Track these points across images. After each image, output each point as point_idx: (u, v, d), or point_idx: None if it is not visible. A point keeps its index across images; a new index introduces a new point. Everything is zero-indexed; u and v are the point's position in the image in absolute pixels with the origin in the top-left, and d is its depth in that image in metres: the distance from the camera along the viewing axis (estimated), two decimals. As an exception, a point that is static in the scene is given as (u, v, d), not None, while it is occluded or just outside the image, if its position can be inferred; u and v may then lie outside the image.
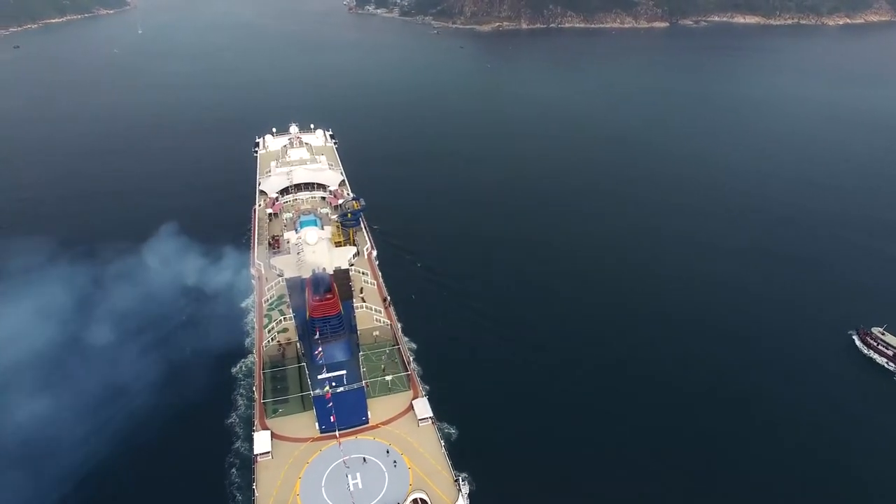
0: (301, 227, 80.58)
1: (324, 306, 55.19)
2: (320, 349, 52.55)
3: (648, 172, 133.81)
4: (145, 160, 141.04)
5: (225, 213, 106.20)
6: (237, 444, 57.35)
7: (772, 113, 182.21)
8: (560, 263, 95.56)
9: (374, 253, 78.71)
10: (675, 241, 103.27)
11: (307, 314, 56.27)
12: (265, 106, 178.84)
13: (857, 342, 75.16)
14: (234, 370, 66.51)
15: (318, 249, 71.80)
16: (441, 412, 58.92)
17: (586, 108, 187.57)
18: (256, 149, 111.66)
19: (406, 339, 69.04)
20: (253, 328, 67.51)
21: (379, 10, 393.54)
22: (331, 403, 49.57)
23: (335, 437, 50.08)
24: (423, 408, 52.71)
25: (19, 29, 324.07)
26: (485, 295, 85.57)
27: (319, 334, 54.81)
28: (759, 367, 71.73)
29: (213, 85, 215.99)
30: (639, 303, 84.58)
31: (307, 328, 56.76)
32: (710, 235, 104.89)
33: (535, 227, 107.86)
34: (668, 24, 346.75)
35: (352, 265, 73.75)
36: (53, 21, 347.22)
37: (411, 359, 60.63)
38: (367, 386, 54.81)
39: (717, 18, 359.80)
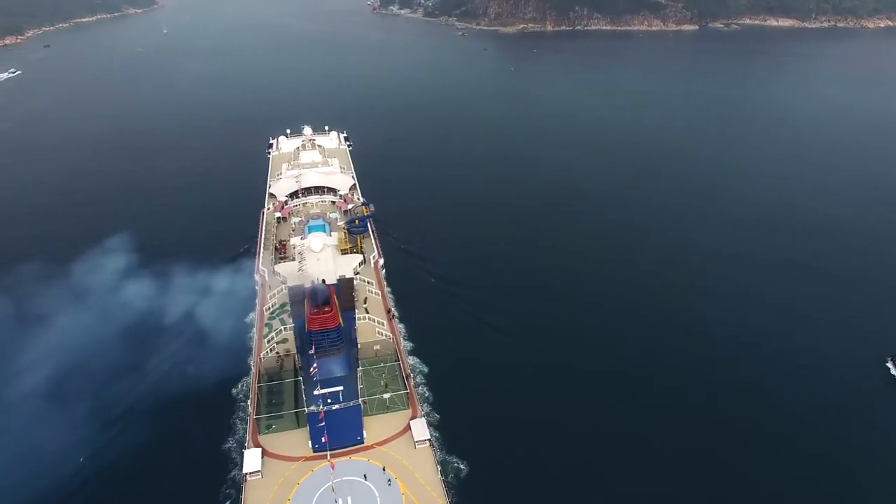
0: (309, 232, 78.85)
1: (321, 319, 53.18)
2: (315, 365, 50.45)
3: (677, 182, 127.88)
4: (161, 159, 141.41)
5: (237, 216, 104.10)
6: (233, 473, 53.54)
7: (808, 121, 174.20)
8: (588, 278, 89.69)
9: (382, 261, 76.66)
10: (703, 251, 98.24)
11: (305, 326, 54.42)
12: (283, 106, 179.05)
13: (893, 370, 70.31)
14: (234, 391, 62.18)
15: (322, 257, 69.82)
16: (443, 437, 56.71)
17: (612, 113, 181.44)
18: (270, 150, 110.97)
19: (414, 358, 66.86)
20: (253, 338, 65.43)
21: (402, 11, 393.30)
22: (322, 423, 47.49)
23: (328, 457, 48.06)
24: (420, 429, 50.26)
25: (52, 28, 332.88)
26: (501, 311, 79.86)
27: (316, 348, 52.78)
28: (786, 389, 67.37)
29: (233, 85, 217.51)
30: (667, 318, 79.49)
31: (305, 340, 54.86)
32: (740, 246, 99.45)
33: (561, 238, 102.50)
34: (697, 27, 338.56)
35: (357, 274, 71.64)
36: (84, 20, 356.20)
37: (412, 375, 58.01)
38: (365, 403, 52.80)
39: (748, 21, 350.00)
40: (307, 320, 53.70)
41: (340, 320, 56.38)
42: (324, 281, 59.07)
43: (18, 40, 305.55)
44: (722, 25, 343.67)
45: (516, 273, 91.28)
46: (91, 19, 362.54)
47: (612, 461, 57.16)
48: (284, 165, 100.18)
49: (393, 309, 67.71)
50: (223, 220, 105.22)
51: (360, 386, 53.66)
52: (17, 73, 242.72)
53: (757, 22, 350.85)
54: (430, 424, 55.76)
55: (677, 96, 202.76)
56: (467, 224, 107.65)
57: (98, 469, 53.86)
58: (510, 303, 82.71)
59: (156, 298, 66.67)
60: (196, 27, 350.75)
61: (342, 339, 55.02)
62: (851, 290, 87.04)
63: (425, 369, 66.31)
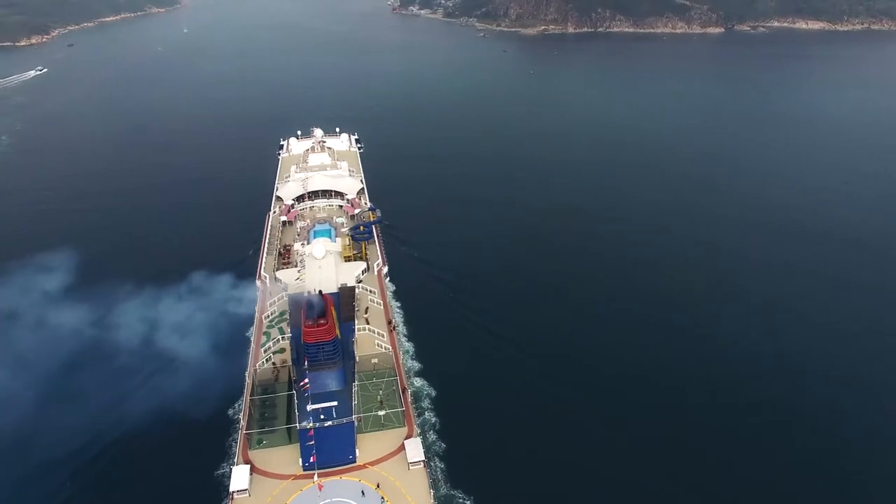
0: (314, 237, 77.63)
1: (317, 332, 51.42)
2: (306, 380, 48.69)
3: (704, 189, 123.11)
4: (172, 160, 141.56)
5: (246, 218, 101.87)
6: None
7: (842, 127, 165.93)
8: (614, 293, 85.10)
9: (386, 269, 74.79)
10: (732, 261, 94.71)
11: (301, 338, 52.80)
12: (297, 107, 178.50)
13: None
14: (230, 412, 59.11)
15: (324, 264, 68.15)
16: (447, 467, 54.42)
17: (634, 118, 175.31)
18: (280, 151, 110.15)
19: (420, 380, 64.33)
20: (250, 347, 63.87)
21: (423, 11, 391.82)
22: (312, 441, 45.71)
23: (319, 474, 46.29)
24: (415, 449, 48.24)
25: (77, 27, 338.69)
26: (519, 327, 75.63)
27: (310, 362, 51.09)
28: (818, 406, 64.36)
29: (249, 84, 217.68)
30: (694, 332, 76.41)
31: (301, 352, 53.22)
32: (770, 256, 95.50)
33: (584, 249, 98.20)
34: (722, 29, 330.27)
35: (360, 282, 69.98)
36: (108, 20, 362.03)
37: (409, 391, 55.96)
38: (360, 420, 50.91)
39: (776, 24, 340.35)
40: (302, 332, 52.05)
41: (338, 332, 54.62)
42: (320, 292, 57.17)
43: (44, 39, 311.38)
44: (749, 28, 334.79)
45: (536, 285, 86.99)
46: (115, 18, 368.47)
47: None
48: (293, 168, 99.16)
49: (394, 320, 65.70)
50: (231, 221, 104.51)
51: (354, 402, 51.77)
52: (43, 70, 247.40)
53: (786, 24, 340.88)
54: (435, 454, 54.21)
55: (703, 101, 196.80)
56: (484, 232, 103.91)
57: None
58: (530, 318, 78.43)
59: (151, 306, 65.27)
60: (216, 27, 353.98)
61: (338, 351, 53.23)
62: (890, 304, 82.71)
63: (433, 392, 62.96)
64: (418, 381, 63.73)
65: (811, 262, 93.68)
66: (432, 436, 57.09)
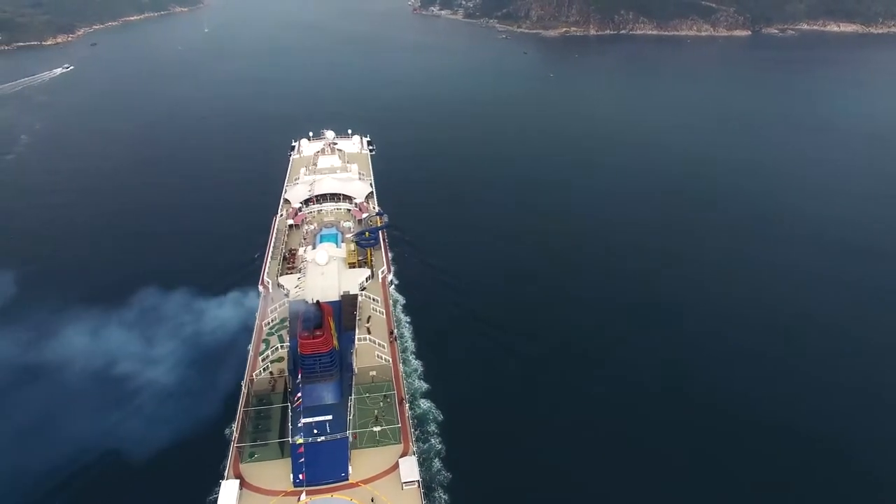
0: (321, 242, 76.51)
1: (313, 343, 49.91)
2: (299, 395, 47.18)
3: (733, 204, 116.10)
4: (184, 160, 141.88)
5: (255, 221, 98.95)
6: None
7: (879, 142, 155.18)
8: (637, 310, 79.89)
9: (391, 277, 73.16)
10: (766, 274, 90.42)
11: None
12: (312, 107, 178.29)
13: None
14: (227, 432, 54.84)
15: (327, 271, 67.04)
16: (449, 493, 51.91)
17: (657, 125, 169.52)
18: (291, 152, 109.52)
19: (428, 402, 61.41)
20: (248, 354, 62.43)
21: (443, 12, 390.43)
22: (302, 459, 44.20)
23: (310, 492, 44.79)
24: (409, 469, 46.32)
25: (102, 27, 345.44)
26: (535, 342, 71.80)
27: (305, 374, 49.62)
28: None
29: (264, 83, 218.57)
30: (730, 350, 72.24)
31: (297, 362, 51.77)
32: (803, 271, 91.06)
33: (606, 262, 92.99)
34: (749, 32, 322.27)
35: (363, 289, 68.44)
36: (132, 19, 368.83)
37: (408, 407, 54.00)
38: (355, 437, 49.26)
39: (806, 27, 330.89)
40: (298, 343, 50.63)
41: (335, 343, 53.13)
42: (318, 302, 55.49)
43: (69, 38, 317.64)
44: (777, 31, 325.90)
45: (557, 299, 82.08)
46: (139, 18, 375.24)
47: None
48: (303, 170, 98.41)
49: (396, 331, 63.87)
50: (240, 223, 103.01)
51: (350, 416, 50.21)
52: (70, 68, 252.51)
53: (816, 27, 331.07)
54: (439, 484, 52.12)
55: (729, 108, 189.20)
56: (500, 240, 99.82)
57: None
58: (550, 336, 73.58)
59: (148, 312, 64.52)
60: (237, 26, 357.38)
61: (335, 363, 51.69)
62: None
63: (440, 416, 59.52)
64: (425, 404, 60.51)
65: (866, 278, 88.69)
66: (437, 463, 54.26)
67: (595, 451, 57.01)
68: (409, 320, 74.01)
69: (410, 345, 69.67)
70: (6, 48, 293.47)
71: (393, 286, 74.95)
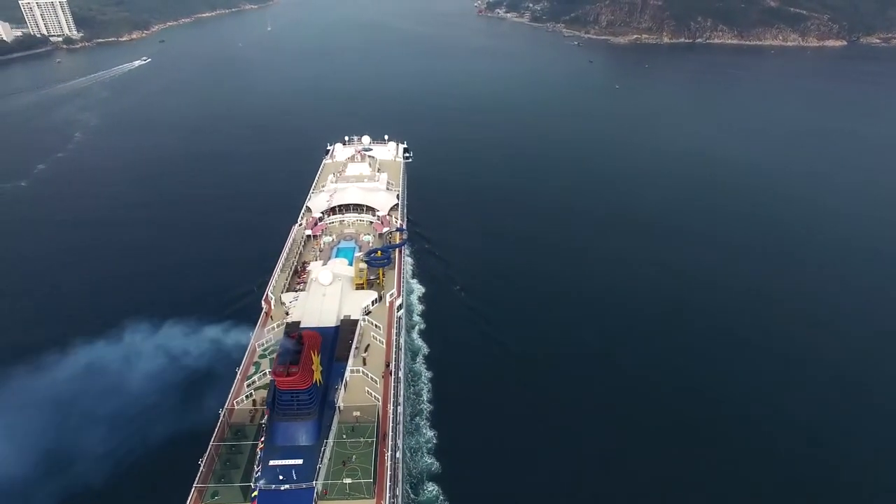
0: (336, 256, 72.49)
1: (288, 381, 45.16)
2: (262, 439, 42.48)
3: (816, 245, 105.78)
4: (228, 162, 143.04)
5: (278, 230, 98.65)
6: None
7: None
8: (698, 349, 74.73)
9: (399, 301, 67.51)
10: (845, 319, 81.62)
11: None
12: (358, 110, 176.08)
13: None
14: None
15: (329, 292, 62.36)
16: None
17: (729, 149, 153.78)
18: (326, 156, 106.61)
19: (433, 458, 55.30)
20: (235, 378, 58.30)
21: (509, 15, 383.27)
22: (254, 509, 39.44)
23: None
24: (378, 536, 40.62)
25: (175, 23, 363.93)
26: (571, 391, 65.41)
27: (278, 411, 44.96)
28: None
29: (316, 83, 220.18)
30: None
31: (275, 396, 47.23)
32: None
33: (654, 296, 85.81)
34: (845, 42, 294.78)
35: (368, 314, 63.34)
36: (204, 16, 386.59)
37: (389, 455, 48.21)
38: (326, 492, 44.07)
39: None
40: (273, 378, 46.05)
41: (318, 377, 48.22)
42: (300, 335, 50.15)
43: (143, 35, 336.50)
44: (878, 41, 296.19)
45: (598, 335, 75.31)
46: (211, 14, 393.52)
47: None
48: (331, 176, 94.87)
49: (392, 364, 58.21)
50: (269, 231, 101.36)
51: (323, 461, 45.06)
52: (148, 60, 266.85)
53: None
54: None
55: (814, 133, 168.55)
56: (537, 268, 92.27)
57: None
58: (587, 379, 67.50)
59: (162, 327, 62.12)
60: (301, 25, 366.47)
61: (314, 401, 46.63)
62: None
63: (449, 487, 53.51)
64: (430, 460, 54.48)
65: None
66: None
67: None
68: (426, 352, 67.86)
69: (426, 382, 63.39)
70: (86, 45, 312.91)
71: (401, 311, 69.32)
